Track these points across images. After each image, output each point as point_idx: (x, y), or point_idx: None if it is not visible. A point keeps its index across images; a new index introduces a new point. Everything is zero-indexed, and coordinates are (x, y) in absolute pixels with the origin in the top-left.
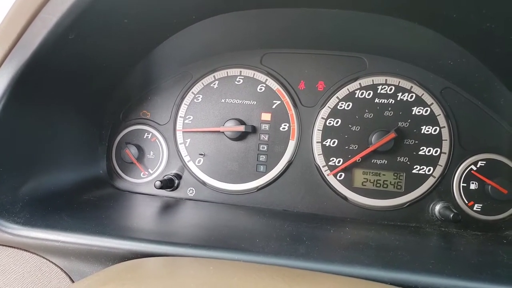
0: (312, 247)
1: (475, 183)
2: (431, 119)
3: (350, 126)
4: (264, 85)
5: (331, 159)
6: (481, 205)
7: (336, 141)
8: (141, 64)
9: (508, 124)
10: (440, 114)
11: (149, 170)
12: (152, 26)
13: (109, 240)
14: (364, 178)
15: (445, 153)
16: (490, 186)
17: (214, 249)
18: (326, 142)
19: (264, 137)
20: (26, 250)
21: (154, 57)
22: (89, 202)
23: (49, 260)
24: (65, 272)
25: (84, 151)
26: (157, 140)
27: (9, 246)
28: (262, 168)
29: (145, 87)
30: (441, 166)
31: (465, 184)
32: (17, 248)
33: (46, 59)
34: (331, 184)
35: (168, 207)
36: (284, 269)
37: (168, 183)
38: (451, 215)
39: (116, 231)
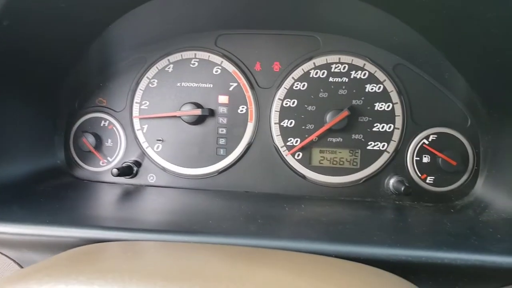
0: (264, 225)
1: (428, 157)
2: (384, 96)
3: (306, 106)
4: (220, 67)
5: (289, 139)
6: (433, 177)
7: (293, 121)
8: (92, 49)
9: (456, 98)
10: (392, 91)
11: (108, 158)
12: (95, 8)
13: (59, 229)
14: (321, 157)
15: (398, 128)
16: (441, 159)
17: (165, 233)
18: (284, 123)
19: (223, 120)
20: None
21: (105, 42)
22: (44, 192)
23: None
24: (18, 264)
25: (38, 142)
26: (114, 127)
27: None
28: (222, 151)
29: (99, 73)
30: (395, 141)
31: (418, 158)
32: None
33: None
34: (289, 164)
35: (127, 194)
36: (230, 248)
37: (126, 170)
38: (403, 188)
39: (68, 219)
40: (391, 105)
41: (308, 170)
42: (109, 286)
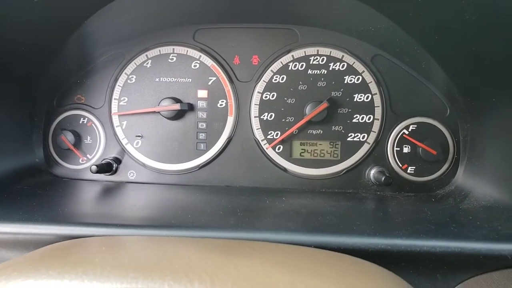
0: (243, 218)
1: (408, 147)
2: (363, 87)
3: (285, 99)
4: (198, 62)
5: (269, 132)
6: (414, 167)
7: (273, 114)
8: (69, 46)
9: (434, 87)
10: (371, 81)
11: (88, 155)
12: (69, 3)
13: (35, 226)
14: (302, 149)
15: (378, 119)
16: (421, 149)
17: (142, 228)
18: (264, 116)
19: (202, 115)
20: None
21: (82, 38)
22: (21, 191)
23: None
24: None
25: (15, 140)
26: (93, 124)
27: None
28: (202, 146)
29: (77, 70)
30: (375, 132)
31: (398, 148)
32: None
33: None
34: (270, 157)
35: (107, 191)
36: (207, 240)
37: (106, 167)
38: (383, 179)
39: (45, 217)
40: (370, 96)
41: (289, 163)
42: (80, 279)
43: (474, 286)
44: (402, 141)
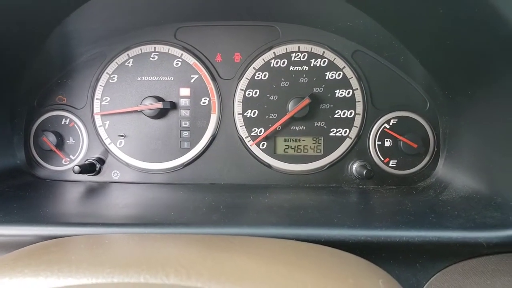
0: (226, 214)
1: (389, 141)
2: (344, 83)
3: (268, 95)
4: (180, 60)
5: (253, 129)
6: (395, 161)
7: (257, 111)
8: (49, 45)
9: (414, 82)
10: (352, 77)
11: (71, 156)
12: (48, 2)
13: (15, 227)
14: (286, 145)
15: (359, 114)
16: (402, 142)
17: (124, 226)
18: (247, 113)
19: (185, 113)
20: None
21: (62, 37)
22: (2, 193)
23: None
24: None
25: None
26: (75, 125)
27: None
28: (186, 144)
29: (57, 70)
30: (356, 127)
31: (380, 142)
32: None
33: None
34: (254, 154)
35: (90, 191)
36: (188, 236)
37: (89, 168)
38: (365, 172)
39: (25, 218)
40: (351, 91)
41: (273, 159)
42: (55, 277)
43: (452, 274)
44: (383, 135)
